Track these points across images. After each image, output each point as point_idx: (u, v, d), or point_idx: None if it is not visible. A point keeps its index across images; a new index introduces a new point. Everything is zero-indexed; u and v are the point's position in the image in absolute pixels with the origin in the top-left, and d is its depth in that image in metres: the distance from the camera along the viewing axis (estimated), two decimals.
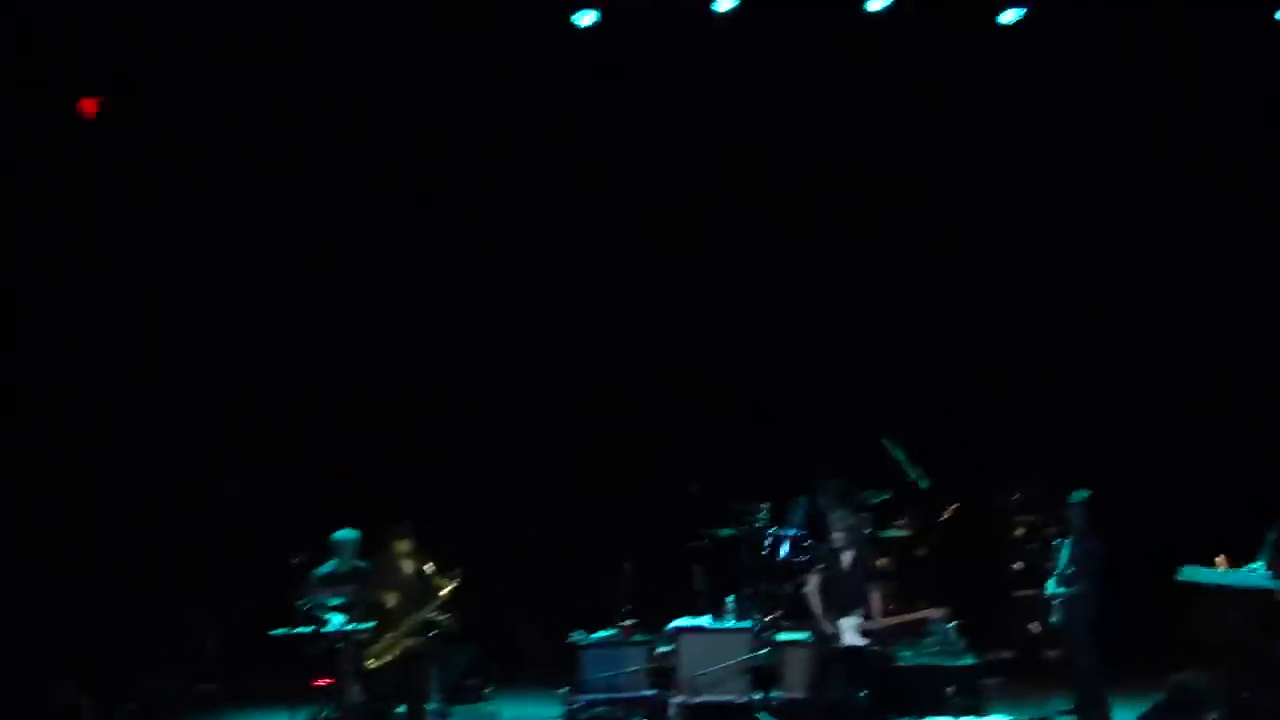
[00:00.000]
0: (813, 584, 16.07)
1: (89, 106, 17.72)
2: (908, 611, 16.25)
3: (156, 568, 17.66)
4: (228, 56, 17.67)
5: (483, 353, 19.10)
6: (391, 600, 15.31)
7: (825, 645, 15.75)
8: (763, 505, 17.67)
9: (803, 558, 17.07)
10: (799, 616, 16.57)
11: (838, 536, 15.92)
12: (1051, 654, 17.64)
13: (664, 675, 16.57)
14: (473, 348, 19.08)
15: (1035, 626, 17.73)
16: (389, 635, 15.23)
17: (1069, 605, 16.97)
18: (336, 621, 15.60)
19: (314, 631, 15.56)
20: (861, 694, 15.38)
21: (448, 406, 18.90)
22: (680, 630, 16.67)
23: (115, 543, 17.40)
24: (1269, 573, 15.81)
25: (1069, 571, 16.97)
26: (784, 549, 17.44)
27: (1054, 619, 17.16)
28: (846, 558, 15.90)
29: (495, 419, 18.97)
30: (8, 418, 17.21)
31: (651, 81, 18.37)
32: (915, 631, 16.72)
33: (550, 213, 19.11)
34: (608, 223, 19.09)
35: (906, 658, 16.63)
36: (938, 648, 16.68)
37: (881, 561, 16.83)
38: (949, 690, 16.17)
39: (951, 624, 16.66)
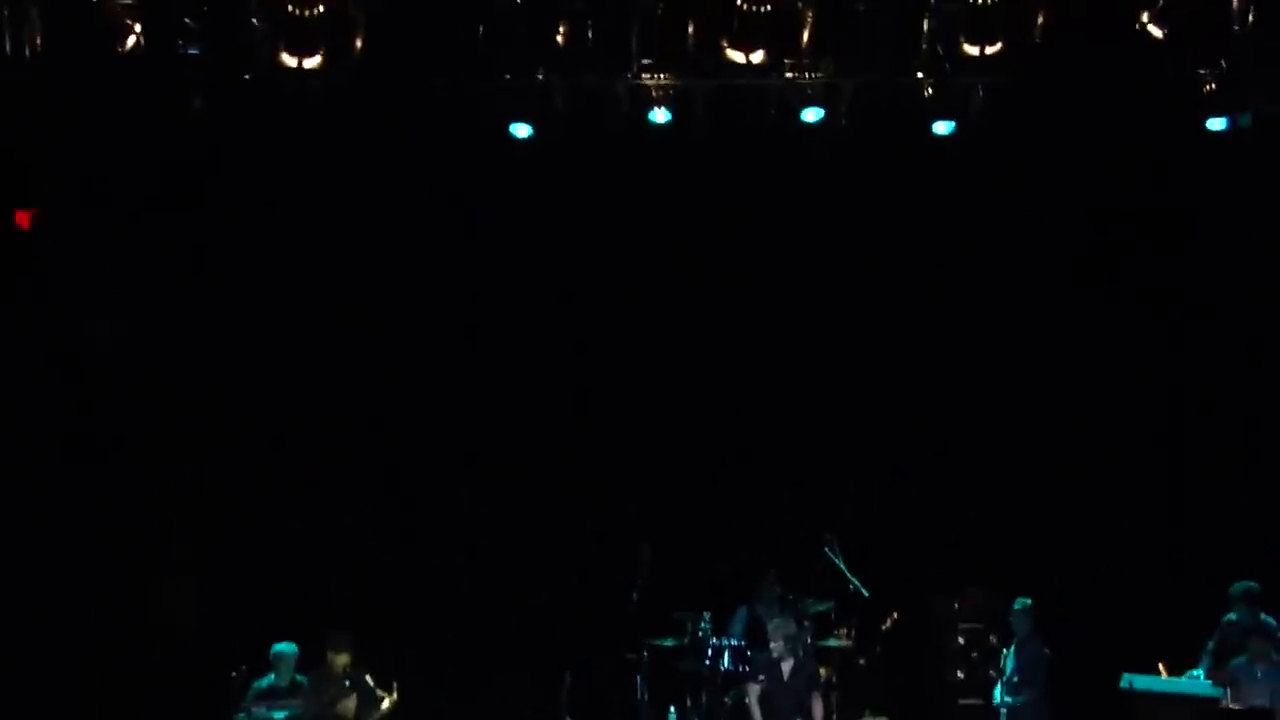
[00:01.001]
0: (753, 694, 16.51)
1: (22, 219, 18.14)
2: None
3: (93, 682, 17.77)
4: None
5: (416, 463, 19.26)
6: (331, 714, 15.61)
7: None
8: (704, 615, 17.85)
9: (744, 667, 17.25)
10: None
11: (776, 646, 16.35)
12: None
13: None
14: (404, 459, 19.27)
15: None
16: None
17: (1015, 713, 17.44)
18: None
19: None
20: None
21: (384, 518, 19.05)
22: None
23: (51, 655, 17.55)
24: (1209, 680, 16.40)
25: (1014, 679, 17.47)
26: (725, 659, 17.55)
27: None
28: (787, 667, 16.31)
29: (430, 528, 19.13)
30: None
31: (589, 192, 18.80)
32: None
33: (487, 324, 19.46)
34: (552, 327, 19.42)
35: None
36: None
37: (823, 671, 17.11)
38: None
39: None
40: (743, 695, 16.73)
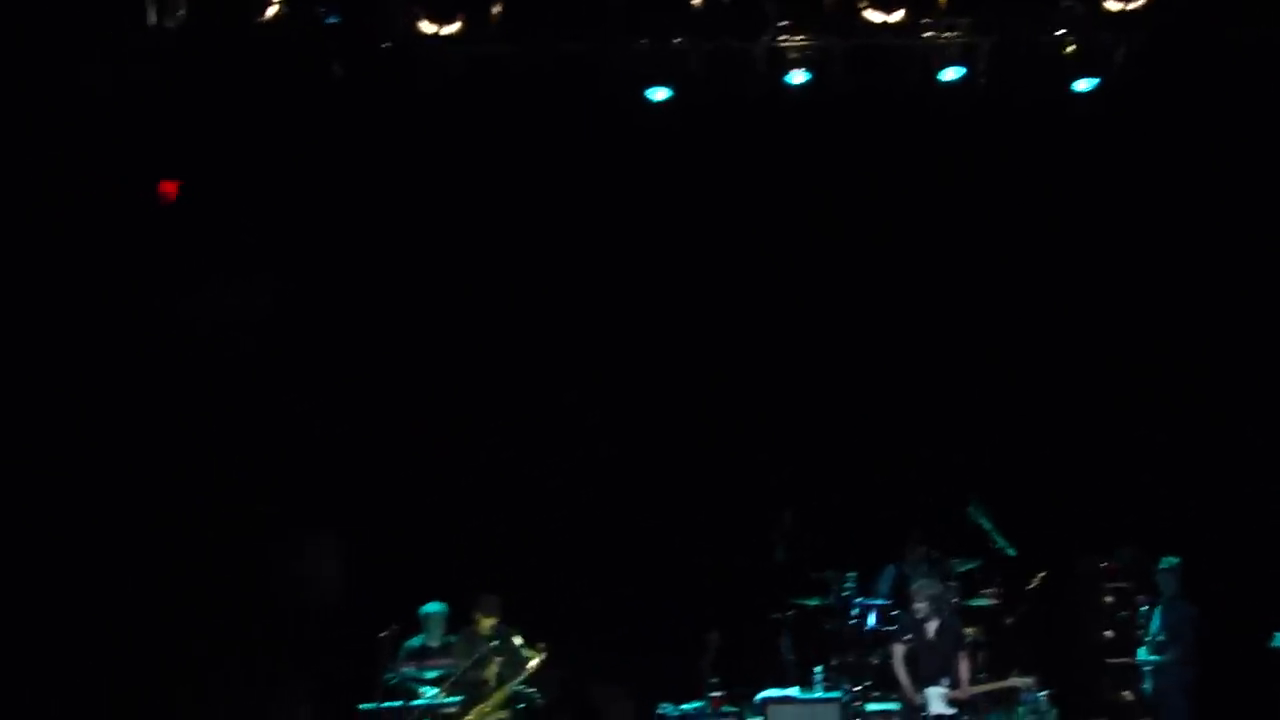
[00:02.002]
0: (899, 654, 16.80)
1: (169, 189, 18.73)
2: (997, 680, 17.19)
3: (247, 641, 18.38)
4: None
5: (562, 423, 19.68)
6: (479, 674, 16.06)
7: (913, 716, 16.56)
8: (850, 574, 18.36)
9: (890, 627, 17.67)
10: (887, 686, 17.32)
11: (921, 606, 16.63)
12: None
13: None
14: (552, 420, 19.68)
15: (1128, 695, 18.27)
16: (477, 709, 15.97)
17: (1162, 673, 17.62)
18: (425, 695, 16.44)
19: (402, 705, 16.34)
20: None
21: (532, 478, 19.50)
22: (769, 701, 17.34)
23: (204, 615, 18.02)
24: None
25: (1161, 638, 17.67)
26: (871, 618, 18.12)
27: (1147, 687, 17.84)
28: (932, 627, 16.53)
29: (580, 490, 19.52)
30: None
31: (726, 154, 19.05)
32: (1006, 701, 17.37)
33: (630, 289, 19.80)
34: (694, 293, 19.76)
35: None
36: (1030, 717, 17.30)
37: (969, 630, 17.42)
38: None
39: (1043, 693, 17.32)
40: (888, 655, 17.04)
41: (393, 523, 19.19)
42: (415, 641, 16.99)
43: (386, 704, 16.46)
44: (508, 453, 19.62)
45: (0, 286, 17.54)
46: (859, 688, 17.84)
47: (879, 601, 18.30)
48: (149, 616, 17.67)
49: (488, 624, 16.44)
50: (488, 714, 15.94)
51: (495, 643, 16.17)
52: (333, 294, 19.40)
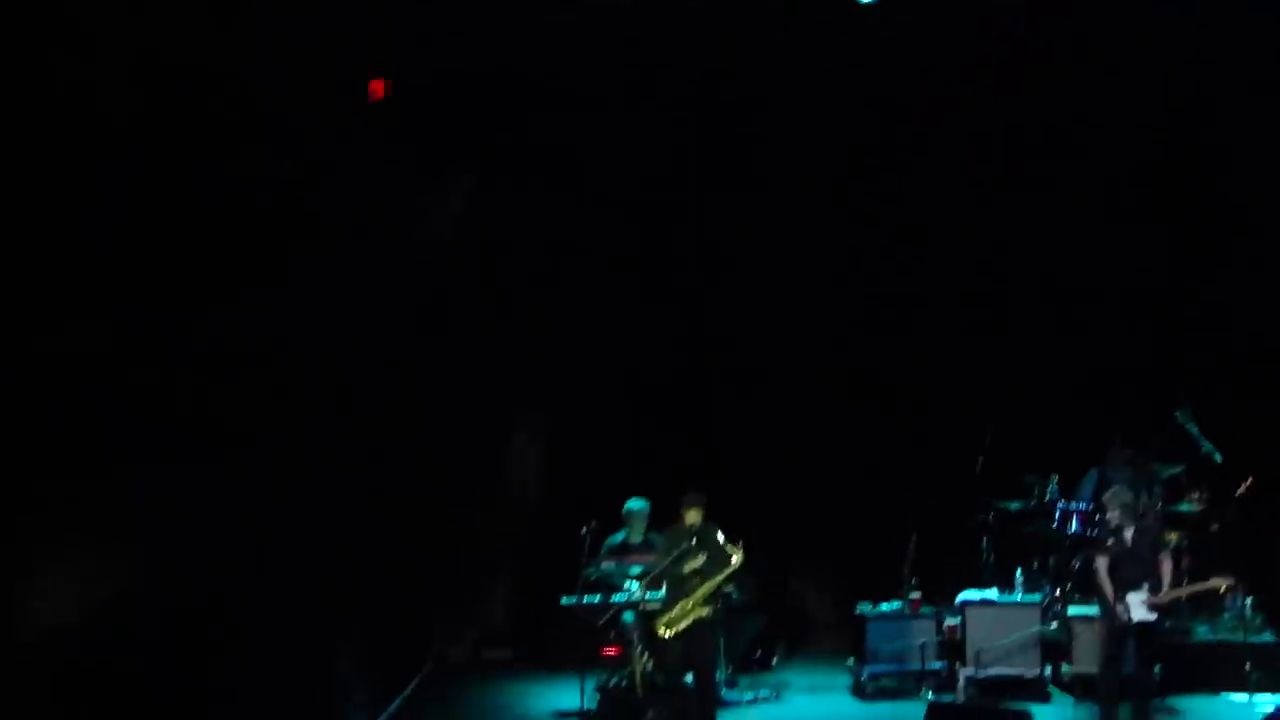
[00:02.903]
0: (1103, 561, 16.80)
1: (377, 89, 18.82)
2: (1199, 583, 17.08)
3: (451, 537, 18.82)
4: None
5: (763, 325, 19.93)
6: (681, 569, 15.99)
7: (1114, 621, 16.59)
8: (1053, 476, 18.37)
9: (1092, 531, 17.61)
10: (1088, 590, 17.21)
11: (1113, 515, 16.23)
12: None
13: (952, 648, 17.37)
14: (753, 323, 19.96)
15: None
16: (679, 605, 15.92)
17: None
18: (627, 590, 16.75)
19: (603, 600, 16.70)
20: (1155, 670, 16.11)
21: (733, 376, 19.83)
22: (968, 603, 17.44)
23: (409, 510, 18.26)
24: None
25: None
26: (1073, 522, 18.11)
27: None
28: (1129, 534, 16.24)
29: (781, 390, 19.80)
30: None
31: (938, 56, 19.07)
32: (1210, 606, 17.46)
33: (832, 198, 19.96)
34: (896, 205, 19.87)
35: (1202, 634, 17.39)
36: (1234, 624, 17.31)
37: (1173, 535, 17.33)
38: (1247, 667, 16.85)
39: (1249, 599, 17.38)
40: (1089, 559, 16.89)
41: (595, 418, 19.57)
42: (617, 537, 17.30)
43: (587, 599, 16.77)
44: (713, 352, 19.90)
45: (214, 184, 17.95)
46: (1059, 591, 17.86)
47: (1081, 505, 18.21)
48: (354, 515, 17.93)
49: (691, 518, 16.43)
50: (690, 610, 16.01)
51: (698, 539, 16.30)
52: (530, 191, 19.64)
